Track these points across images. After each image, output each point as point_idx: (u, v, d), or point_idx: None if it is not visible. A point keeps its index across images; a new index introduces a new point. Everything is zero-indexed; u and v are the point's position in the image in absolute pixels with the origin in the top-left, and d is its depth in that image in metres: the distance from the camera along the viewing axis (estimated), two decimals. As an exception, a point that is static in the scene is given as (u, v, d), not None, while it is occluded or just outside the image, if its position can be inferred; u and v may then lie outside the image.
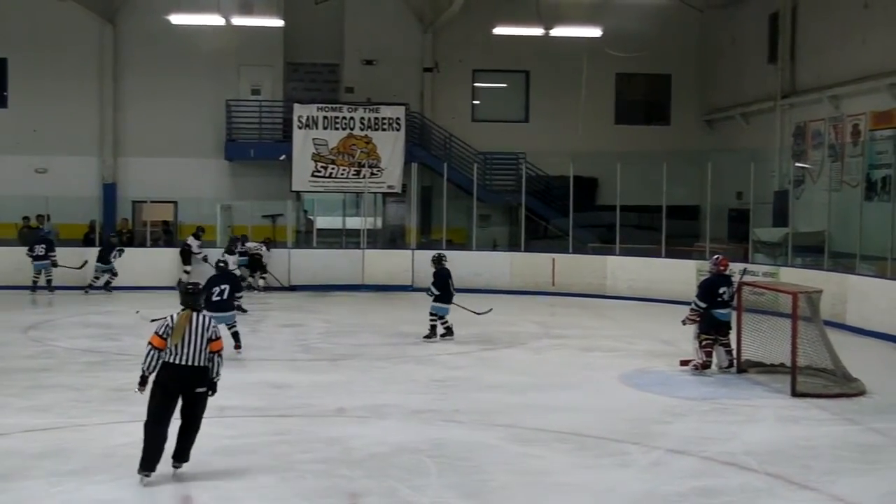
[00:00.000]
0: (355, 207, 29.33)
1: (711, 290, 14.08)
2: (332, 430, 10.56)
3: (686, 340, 14.69)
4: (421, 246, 26.20)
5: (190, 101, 28.70)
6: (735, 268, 15.54)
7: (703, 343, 13.92)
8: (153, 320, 14.71)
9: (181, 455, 8.64)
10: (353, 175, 28.26)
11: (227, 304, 14.80)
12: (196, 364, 8.51)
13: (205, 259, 23.13)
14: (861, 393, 12.58)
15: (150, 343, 8.54)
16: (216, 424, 10.04)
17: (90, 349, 15.59)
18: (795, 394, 12.48)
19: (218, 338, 8.73)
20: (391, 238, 29.46)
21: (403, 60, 30.21)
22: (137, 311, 18.08)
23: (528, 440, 10.30)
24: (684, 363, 14.22)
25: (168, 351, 8.47)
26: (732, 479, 9.00)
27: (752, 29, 28.37)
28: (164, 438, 8.46)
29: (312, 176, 28.26)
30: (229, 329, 14.74)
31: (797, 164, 25.39)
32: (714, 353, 13.96)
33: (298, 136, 28.17)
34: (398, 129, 28.43)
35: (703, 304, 13.98)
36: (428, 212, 28.99)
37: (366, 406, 11.72)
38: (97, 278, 23.15)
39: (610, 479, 9.00)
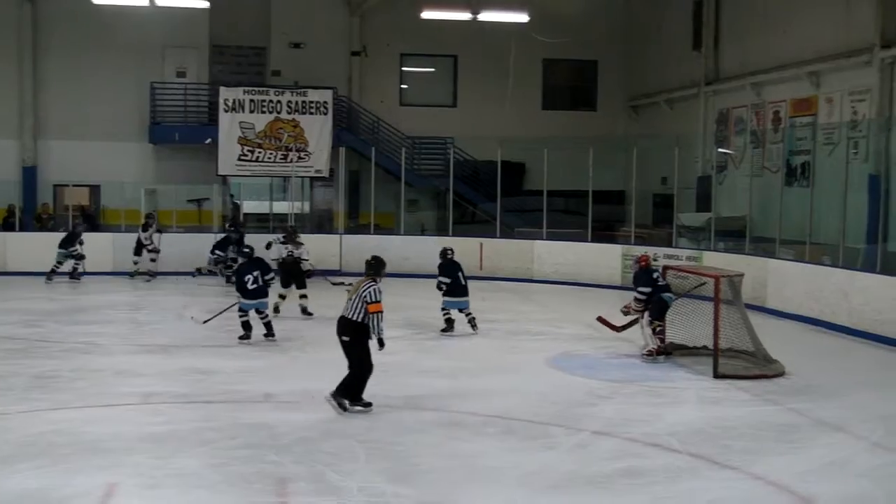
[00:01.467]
0: (282, 192, 29.16)
1: (648, 276, 14.25)
2: (260, 415, 10.54)
3: (613, 319, 14.88)
4: (349, 231, 26.16)
5: (113, 83, 28.19)
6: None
7: (657, 329, 14.05)
8: (205, 321, 14.63)
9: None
10: (281, 159, 28.08)
11: (263, 290, 14.88)
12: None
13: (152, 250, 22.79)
14: (780, 374, 12.87)
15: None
16: (142, 411, 9.98)
17: (11, 336, 15.32)
18: (717, 375, 12.74)
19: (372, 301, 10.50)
20: (319, 223, 29.34)
21: (331, 44, 30.04)
22: (192, 317, 16.07)
23: (456, 424, 10.37)
24: (601, 320, 14.77)
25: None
26: (656, 460, 9.17)
27: (677, 16, 28.69)
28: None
29: (239, 160, 28.02)
30: (261, 317, 14.87)
31: (720, 150, 25.78)
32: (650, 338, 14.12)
33: (224, 119, 27.90)
34: (326, 113, 28.31)
35: (647, 289, 14.13)
36: (356, 196, 28.94)
37: (294, 391, 11.70)
38: (60, 263, 22.33)
39: (536, 462, 9.11)
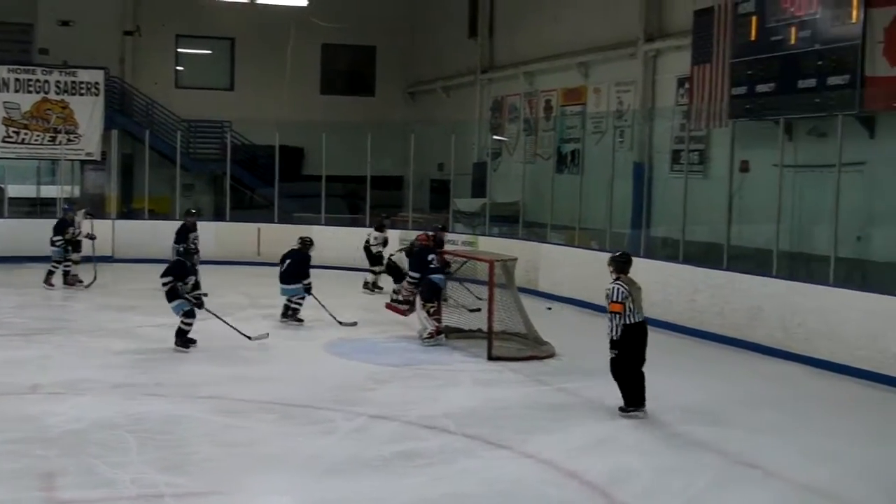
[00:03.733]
0: (51, 175, 27.96)
1: (420, 258, 14.50)
2: (26, 408, 10.12)
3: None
4: (122, 215, 25.38)
5: None
6: None
7: (431, 311, 14.27)
8: (255, 338, 13.84)
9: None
10: (49, 141, 26.86)
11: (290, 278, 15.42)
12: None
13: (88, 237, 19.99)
14: (551, 355, 13.34)
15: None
16: None
17: None
18: (491, 358, 13.09)
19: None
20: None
21: (103, 23, 29.00)
22: (251, 337, 14.11)
23: (232, 411, 10.26)
24: (390, 306, 15.16)
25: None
26: (432, 442, 9.37)
27: (454, 4, 29.18)
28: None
29: (3, 141, 26.61)
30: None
31: (495, 137, 26.41)
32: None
33: (-14, 98, 26.51)
34: (97, 95, 27.28)
35: (416, 274, 14.36)
36: (129, 180, 28.02)
37: (62, 382, 11.30)
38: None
39: (315, 447, 9.14)
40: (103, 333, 14.60)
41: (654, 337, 15.26)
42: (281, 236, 23.67)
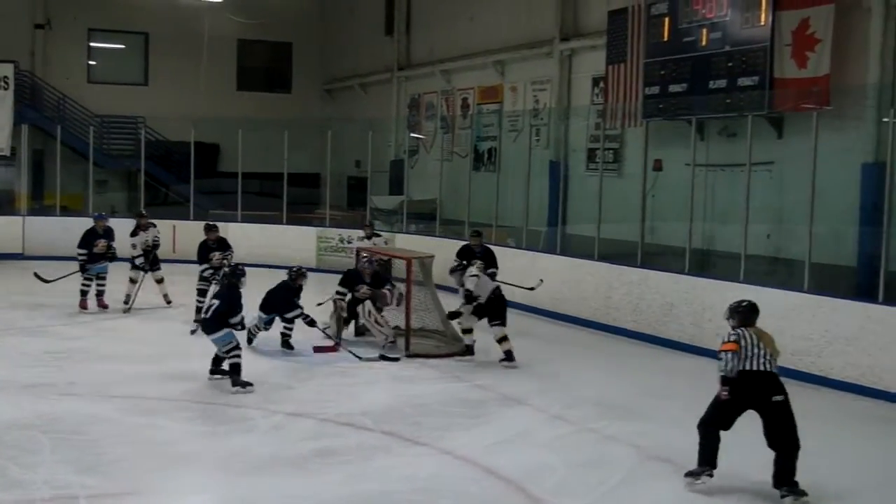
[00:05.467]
0: (-43, 171, 27.34)
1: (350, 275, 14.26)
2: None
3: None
4: (33, 212, 24.88)
5: None
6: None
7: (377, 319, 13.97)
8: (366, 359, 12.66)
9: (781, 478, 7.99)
10: (-44, 136, 26.26)
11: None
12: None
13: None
14: (467, 352, 13.39)
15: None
16: None
17: None
18: (409, 355, 13.13)
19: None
20: (-2, 204, 27.70)
21: (12, 15, 28.40)
22: (362, 358, 12.94)
23: (148, 411, 10.16)
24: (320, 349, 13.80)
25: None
26: (350, 439, 9.38)
27: (370, 2, 29.14)
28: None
29: None
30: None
31: (412, 135, 26.46)
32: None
33: None
34: (6, 89, 26.61)
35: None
36: (40, 176, 27.47)
37: (-28, 381, 11.09)
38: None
39: (233, 445, 9.10)
40: (14, 332, 14.32)
41: (569, 332, 15.53)
42: (197, 234, 23.54)
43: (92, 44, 30.44)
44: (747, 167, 14.06)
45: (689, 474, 8.23)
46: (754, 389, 8.04)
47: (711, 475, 8.16)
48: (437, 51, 25.95)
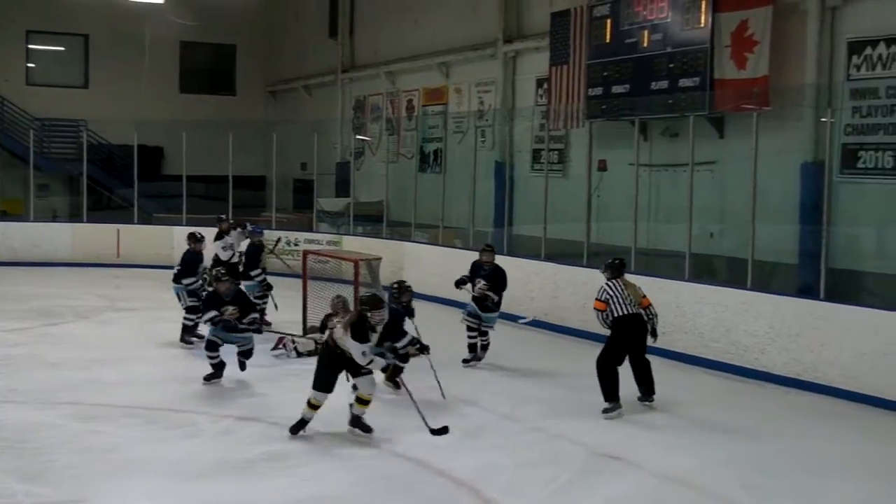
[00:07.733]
0: None
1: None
2: None
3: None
4: (-29, 217, 24.56)
5: None
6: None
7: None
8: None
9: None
10: None
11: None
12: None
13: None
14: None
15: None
16: None
17: None
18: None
19: None
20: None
21: (-53, 17, 28.00)
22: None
23: (93, 417, 10.07)
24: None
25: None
26: (299, 443, 9.38)
27: (314, 3, 29.08)
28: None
29: None
30: None
31: (357, 137, 26.43)
32: None
33: None
34: (-58, 92, 26.34)
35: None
36: (-21, 181, 27.16)
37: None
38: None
39: (180, 451, 9.05)
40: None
41: (515, 333, 15.59)
42: (142, 237, 23.38)
43: (30, 46, 30.06)
44: (690, 167, 14.24)
45: (605, 411, 10.30)
46: (629, 328, 10.59)
47: (621, 406, 10.33)
48: (381, 52, 25.94)
